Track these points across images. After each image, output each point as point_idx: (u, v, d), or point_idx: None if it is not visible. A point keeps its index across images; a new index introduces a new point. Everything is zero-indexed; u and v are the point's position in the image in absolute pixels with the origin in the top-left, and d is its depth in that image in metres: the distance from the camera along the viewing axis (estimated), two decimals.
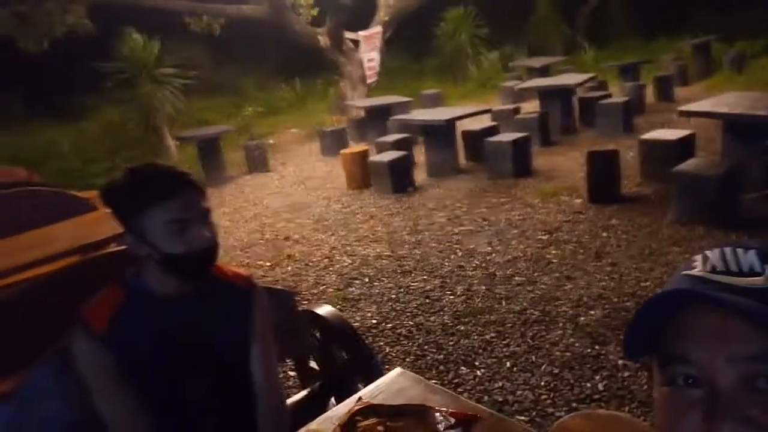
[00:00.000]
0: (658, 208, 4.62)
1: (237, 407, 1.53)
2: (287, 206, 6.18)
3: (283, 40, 11.30)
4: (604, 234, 4.33)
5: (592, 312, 3.29)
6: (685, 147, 5.08)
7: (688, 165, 4.43)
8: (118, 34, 9.18)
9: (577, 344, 3.00)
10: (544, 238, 4.42)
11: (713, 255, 0.57)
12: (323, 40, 10.40)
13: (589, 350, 2.94)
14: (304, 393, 2.13)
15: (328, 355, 2.13)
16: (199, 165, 7.71)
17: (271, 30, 10.94)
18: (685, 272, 0.59)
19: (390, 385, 1.56)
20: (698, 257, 0.59)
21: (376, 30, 10.69)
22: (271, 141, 9.61)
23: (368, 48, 10.62)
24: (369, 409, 1.41)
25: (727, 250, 0.57)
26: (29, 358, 1.74)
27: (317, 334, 2.17)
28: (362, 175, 6.40)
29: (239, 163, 8.14)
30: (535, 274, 3.86)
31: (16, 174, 5.51)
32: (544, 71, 10.66)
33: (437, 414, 1.36)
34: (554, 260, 4.02)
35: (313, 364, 2.24)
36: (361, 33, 10.55)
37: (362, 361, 1.99)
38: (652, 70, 10.08)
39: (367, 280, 4.13)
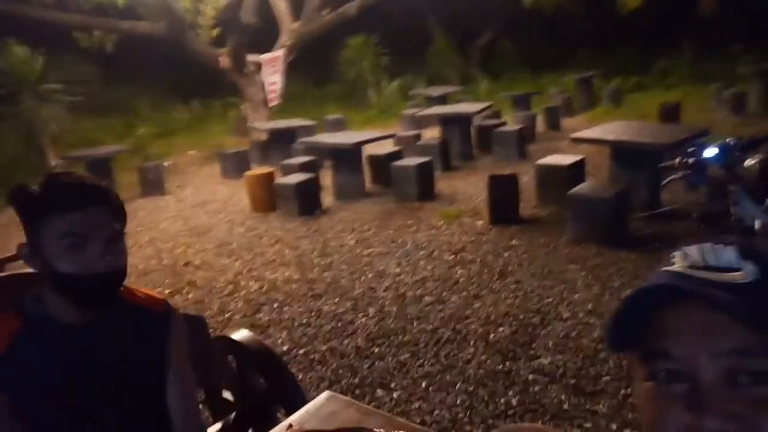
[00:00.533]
0: (554, 228, 4.88)
1: None
2: (186, 230, 5.91)
3: (179, 60, 10.94)
4: (507, 254, 4.50)
5: (501, 329, 3.39)
6: (576, 172, 5.43)
7: (582, 188, 4.73)
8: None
9: (488, 361, 3.07)
10: (450, 258, 4.52)
11: (692, 251, 0.58)
12: (224, 61, 10.18)
13: (500, 366, 3.01)
14: (218, 426, 2.00)
15: (245, 383, 2.02)
16: None
17: (167, 48, 10.55)
18: (665, 268, 0.59)
19: (320, 409, 1.49)
20: (678, 253, 0.59)
21: (278, 53, 10.63)
22: (167, 163, 9.19)
23: (270, 71, 10.52)
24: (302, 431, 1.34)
25: (706, 246, 0.57)
26: None
27: (233, 362, 2.06)
28: (267, 197, 6.26)
29: (132, 186, 7.70)
30: (444, 293, 3.93)
31: None
32: (443, 100, 11.05)
33: None
34: (461, 279, 4.12)
35: (227, 395, 2.12)
36: (264, 56, 10.45)
37: (284, 388, 1.90)
38: (541, 102, 10.75)
39: (276, 305, 4.01)
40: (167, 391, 1.45)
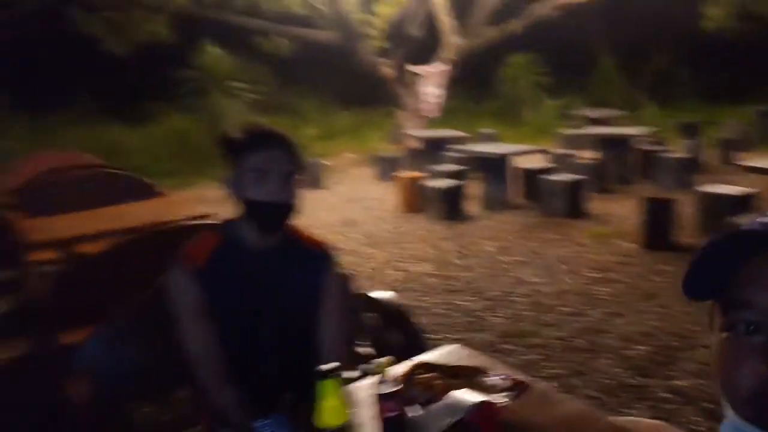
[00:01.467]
0: None
1: (300, 354, 1.63)
2: (339, 221, 6.34)
3: (346, 68, 11.69)
4: (655, 278, 4.31)
5: (639, 347, 3.29)
6: (745, 202, 5.04)
7: (741, 218, 4.39)
8: (196, 45, 9.69)
9: (621, 374, 3.01)
10: (593, 275, 4.42)
11: None
12: (386, 71, 10.72)
13: (633, 380, 2.94)
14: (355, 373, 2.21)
15: (382, 337, 2.22)
16: None
17: (336, 57, 11.34)
18: (759, 219, 0.57)
19: (448, 354, 1.65)
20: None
21: (441, 67, 10.97)
22: (326, 162, 9.88)
23: (430, 83, 10.88)
24: (428, 366, 1.50)
25: None
26: (103, 312, 1.90)
27: (373, 318, 2.27)
28: (415, 199, 6.53)
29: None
30: (582, 307, 3.88)
31: (91, 159, 5.86)
32: (603, 122, 10.68)
33: (493, 378, 1.43)
34: (603, 297, 4.03)
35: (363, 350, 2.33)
36: (424, 67, 10.84)
37: (417, 344, 2.07)
38: (712, 132, 9.99)
39: (414, 294, 4.21)
40: (320, 318, 1.69)
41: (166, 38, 9.67)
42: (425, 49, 10.83)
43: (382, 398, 1.28)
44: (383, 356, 2.23)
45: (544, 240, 5.33)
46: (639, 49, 14.88)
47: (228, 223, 1.63)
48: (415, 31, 10.41)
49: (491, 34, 11.05)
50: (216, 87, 9.62)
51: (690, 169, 7.29)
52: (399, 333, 2.18)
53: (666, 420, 2.60)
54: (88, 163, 5.26)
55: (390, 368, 1.36)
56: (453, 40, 11.09)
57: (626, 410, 2.68)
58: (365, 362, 2.29)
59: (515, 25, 10.87)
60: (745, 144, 9.75)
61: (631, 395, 2.81)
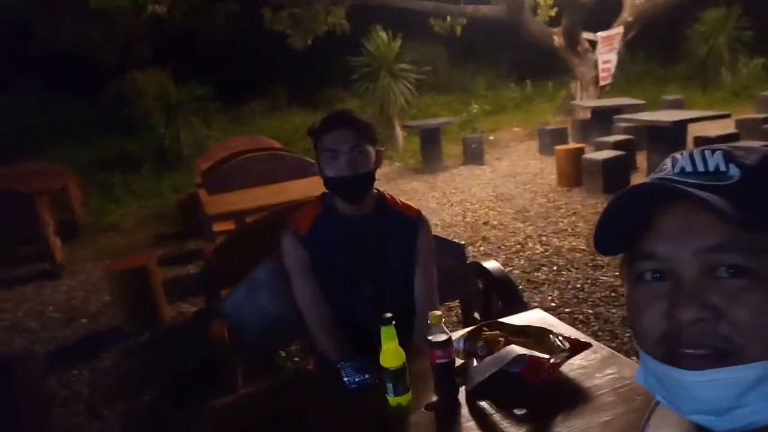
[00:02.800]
0: None
1: (396, 306, 1.85)
2: (493, 196, 6.40)
3: (517, 41, 11.47)
4: None
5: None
6: None
7: None
8: (369, 32, 10.25)
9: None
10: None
11: (682, 158, 0.60)
12: (558, 40, 10.33)
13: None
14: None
15: (488, 303, 2.35)
16: (419, 153, 8.34)
17: (506, 31, 11.19)
18: (655, 175, 0.60)
19: (525, 316, 1.75)
20: (668, 160, 0.61)
21: (616, 31, 10.28)
22: (491, 137, 9.89)
23: (606, 49, 10.26)
24: (495, 324, 1.62)
25: (695, 152, 0.59)
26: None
27: (481, 284, 2.40)
28: (574, 172, 6.33)
29: (456, 155, 8.57)
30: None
31: (269, 142, 6.63)
32: None
33: (555, 338, 1.51)
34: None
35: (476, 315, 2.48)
36: (600, 33, 10.24)
37: (516, 309, 2.16)
38: None
39: (555, 268, 4.19)
40: (415, 278, 1.88)
41: (343, 28, 10.38)
42: (602, 13, 10.22)
43: (434, 346, 1.44)
44: (487, 318, 2.37)
45: None
46: None
47: (327, 195, 1.89)
48: None
49: None
50: (385, 70, 10.10)
51: None
52: (500, 299, 2.29)
53: None
54: (264, 147, 5.99)
55: (440, 320, 1.48)
56: (633, 0, 10.32)
57: None
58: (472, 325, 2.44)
59: None
60: None
61: None
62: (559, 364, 1.44)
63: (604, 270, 4.04)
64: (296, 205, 3.10)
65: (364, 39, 10.26)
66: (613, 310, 3.45)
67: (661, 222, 0.58)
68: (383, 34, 10.15)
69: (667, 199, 0.57)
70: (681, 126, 6.10)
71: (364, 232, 1.85)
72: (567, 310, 3.53)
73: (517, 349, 1.43)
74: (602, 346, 1.55)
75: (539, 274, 4.12)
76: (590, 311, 3.48)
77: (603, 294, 3.67)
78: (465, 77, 13.91)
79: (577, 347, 1.48)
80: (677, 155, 0.61)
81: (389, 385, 1.41)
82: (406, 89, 10.25)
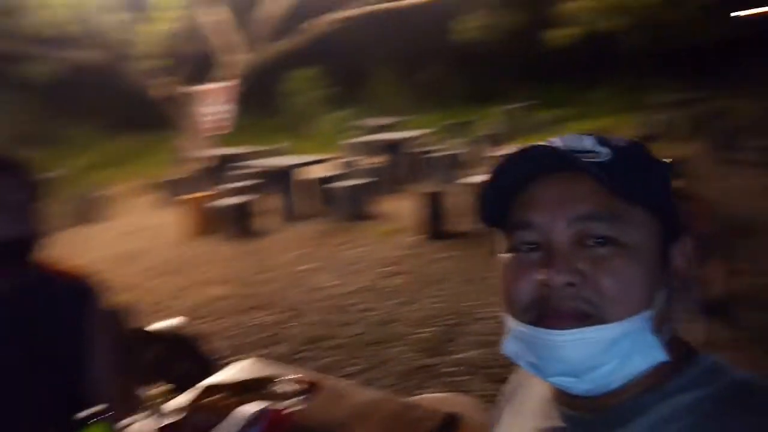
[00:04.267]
0: (482, 241, 5.09)
1: (69, 398, 1.47)
2: (118, 255, 5.84)
3: (121, 91, 10.89)
4: (437, 265, 4.69)
5: (427, 329, 3.54)
6: None
7: None
8: None
9: (413, 358, 3.21)
10: (383, 270, 4.66)
11: (555, 140, 0.63)
12: (161, 91, 10.19)
13: (424, 362, 3.15)
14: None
15: (170, 368, 2.09)
16: None
17: (107, 80, 10.51)
18: (512, 152, 0.63)
19: (240, 370, 1.61)
20: (542, 143, 0.63)
21: (223, 83, 10.73)
22: (105, 192, 9.07)
23: (212, 101, 10.60)
24: (216, 388, 1.44)
25: (568, 135, 0.63)
26: None
27: (156, 350, 2.13)
28: (205, 221, 6.29)
29: (67, 215, 7.56)
30: (375, 302, 4.06)
31: None
32: (385, 129, 11.36)
33: (283, 384, 1.43)
34: (393, 289, 4.27)
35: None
36: (206, 86, 10.53)
37: (207, 368, 1.98)
38: (475, 130, 11.20)
39: (208, 319, 4.05)
40: (87, 357, 1.52)
41: None
42: (208, 66, 10.52)
43: None
44: (175, 388, 2.10)
45: (338, 244, 5.50)
46: (412, 60, 16.17)
47: None
48: (188, 47, 10.04)
49: (275, 48, 11.10)
50: None
51: (457, 164, 8.07)
52: (186, 361, 2.07)
53: (457, 391, 2.83)
54: None
55: (168, 398, 1.27)
56: (235, 56, 10.94)
57: (421, 390, 2.86)
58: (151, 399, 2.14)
59: (297, 40, 11.06)
60: (502, 139, 11.09)
61: (424, 375, 3.01)
62: (300, 409, 1.37)
63: (258, 311, 4.09)
64: None
65: None
66: (277, 348, 3.50)
67: (536, 194, 0.61)
68: None
69: (545, 169, 0.61)
70: (294, 170, 6.71)
71: (14, 310, 1.42)
72: (231, 359, 3.42)
73: (250, 408, 1.30)
74: (338, 379, 1.53)
75: (196, 326, 3.90)
76: (255, 354, 3.45)
77: (262, 335, 3.70)
78: (62, 128, 12.48)
79: (309, 387, 1.43)
80: (550, 139, 0.63)
81: None
82: None
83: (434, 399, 1.90)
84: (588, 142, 0.60)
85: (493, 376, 2.92)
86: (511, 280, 0.62)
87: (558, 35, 12.04)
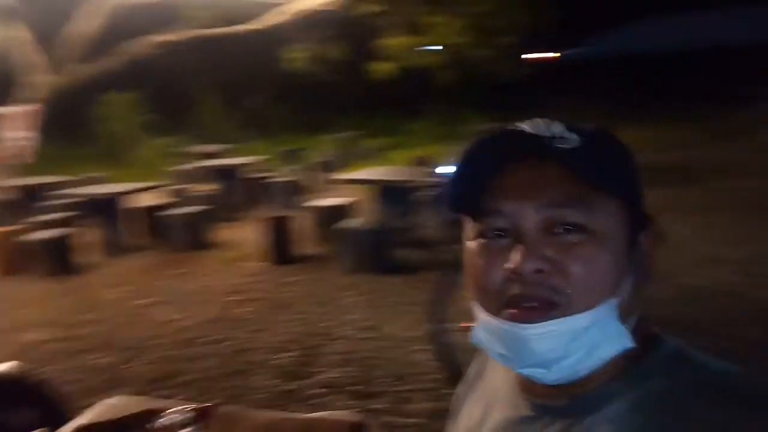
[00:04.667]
0: (330, 263, 5.14)
1: None
2: None
3: None
4: (287, 289, 4.62)
5: (286, 354, 3.45)
6: (345, 209, 5.84)
7: (348, 224, 5.11)
8: None
9: (276, 384, 3.11)
10: (231, 299, 4.47)
11: (525, 125, 0.62)
12: None
13: (287, 386, 3.07)
14: None
15: (6, 418, 1.79)
16: None
17: None
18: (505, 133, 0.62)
19: (111, 408, 1.43)
20: (512, 128, 0.63)
21: (25, 108, 9.58)
22: None
23: (14, 126, 9.41)
24: (89, 429, 1.27)
25: (537, 120, 0.62)
26: None
27: None
28: (13, 259, 5.52)
29: None
30: (228, 332, 3.88)
31: None
32: (214, 156, 10.97)
33: (170, 416, 1.30)
34: (244, 317, 4.11)
35: None
36: (4, 109, 9.33)
37: (59, 412, 1.73)
38: (310, 158, 11.32)
39: (31, 367, 3.53)
40: None
41: None
42: (10, 87, 9.35)
43: None
44: None
45: (176, 275, 5.16)
46: (239, 87, 15.91)
47: None
48: None
49: (86, 70, 10.21)
50: None
51: (296, 190, 8.07)
52: (30, 408, 1.79)
53: (324, 410, 2.80)
54: None
55: None
56: (40, 78, 9.85)
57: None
58: None
59: (112, 63, 10.29)
60: (334, 165, 11.35)
61: (288, 400, 2.92)
62: None
63: (91, 353, 3.67)
64: None
65: None
66: (119, 392, 3.17)
67: (506, 179, 0.59)
68: None
69: (515, 157, 0.60)
70: (117, 198, 6.19)
71: None
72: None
73: None
74: (224, 403, 1.42)
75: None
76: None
77: (100, 379, 3.33)
78: None
79: (201, 415, 1.31)
80: (519, 124, 0.62)
81: None
82: None
83: (333, 415, 1.86)
84: (557, 129, 0.60)
85: (358, 393, 2.94)
86: (478, 267, 0.61)
87: (380, 69, 12.69)
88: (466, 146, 0.61)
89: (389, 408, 2.77)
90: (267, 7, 10.93)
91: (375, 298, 4.25)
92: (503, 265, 0.58)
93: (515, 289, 0.57)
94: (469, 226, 0.63)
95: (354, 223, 5.17)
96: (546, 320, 0.56)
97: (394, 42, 12.42)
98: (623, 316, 0.59)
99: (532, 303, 0.57)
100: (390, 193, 5.59)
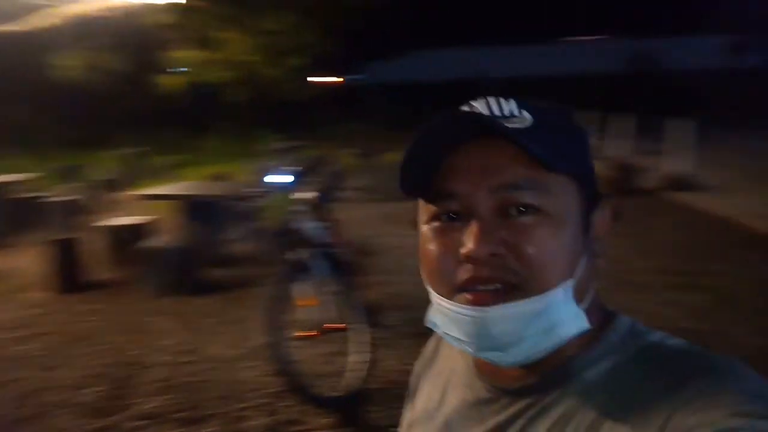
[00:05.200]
0: (130, 287, 4.71)
1: None
2: None
3: None
4: (82, 319, 4.13)
5: (92, 389, 3.09)
6: (147, 229, 5.39)
7: (151, 243, 4.75)
8: None
9: (83, 425, 2.76)
10: (12, 336, 3.86)
11: (478, 104, 0.61)
12: None
13: (96, 424, 2.75)
14: None
15: None
16: None
17: None
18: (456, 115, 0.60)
19: None
20: (464, 107, 0.61)
21: None
22: None
23: None
24: None
25: (490, 99, 0.60)
26: None
27: None
28: None
29: None
30: (14, 372, 3.34)
31: None
32: None
33: None
34: (32, 354, 3.58)
35: None
36: None
37: None
38: (91, 174, 10.24)
39: None
40: None
41: None
42: None
43: None
44: None
45: None
46: None
47: None
48: None
49: None
50: None
51: (78, 210, 7.25)
52: None
53: None
54: None
55: None
56: None
57: None
58: None
59: None
60: (120, 183, 10.45)
61: None
62: None
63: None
64: None
65: None
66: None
67: (459, 161, 0.58)
68: None
69: (468, 137, 0.58)
70: None
71: None
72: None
73: None
74: None
75: None
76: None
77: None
78: None
79: None
80: (473, 102, 0.61)
81: None
82: None
83: None
84: (510, 107, 0.59)
85: (185, 420, 2.76)
86: (432, 251, 0.59)
87: (168, 82, 12.08)
88: (419, 127, 0.58)
89: (222, 429, 2.64)
90: (32, 9, 9.73)
91: (189, 320, 4.01)
92: (457, 249, 0.57)
93: (470, 273, 0.56)
94: (423, 209, 0.61)
95: (157, 242, 4.82)
96: (502, 303, 0.56)
97: (183, 55, 11.92)
98: (579, 296, 0.58)
99: (487, 287, 0.56)
100: (197, 208, 5.30)
